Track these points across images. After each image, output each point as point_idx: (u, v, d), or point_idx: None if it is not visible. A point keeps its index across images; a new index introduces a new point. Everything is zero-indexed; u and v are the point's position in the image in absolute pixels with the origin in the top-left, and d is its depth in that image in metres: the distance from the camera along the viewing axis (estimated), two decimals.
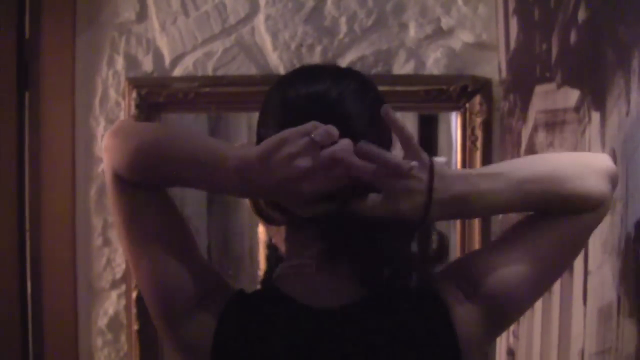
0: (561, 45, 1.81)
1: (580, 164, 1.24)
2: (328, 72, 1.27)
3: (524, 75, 2.03)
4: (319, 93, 1.19)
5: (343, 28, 2.29)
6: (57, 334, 2.40)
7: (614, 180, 1.27)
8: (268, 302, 1.24)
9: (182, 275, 1.22)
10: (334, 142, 1.10)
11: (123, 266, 2.38)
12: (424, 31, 2.27)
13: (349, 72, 1.28)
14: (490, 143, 2.21)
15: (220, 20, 2.34)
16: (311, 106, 1.18)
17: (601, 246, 1.63)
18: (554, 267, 1.28)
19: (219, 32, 2.34)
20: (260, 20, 2.32)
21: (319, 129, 1.10)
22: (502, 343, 2.13)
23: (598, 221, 1.28)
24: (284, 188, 1.11)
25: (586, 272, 1.69)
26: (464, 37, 2.26)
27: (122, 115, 2.36)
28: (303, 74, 1.27)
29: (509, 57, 2.12)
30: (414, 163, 1.12)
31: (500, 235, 1.32)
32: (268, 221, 1.32)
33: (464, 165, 2.21)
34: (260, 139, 1.22)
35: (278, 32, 2.31)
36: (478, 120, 2.19)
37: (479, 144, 2.19)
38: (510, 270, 1.22)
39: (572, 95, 1.75)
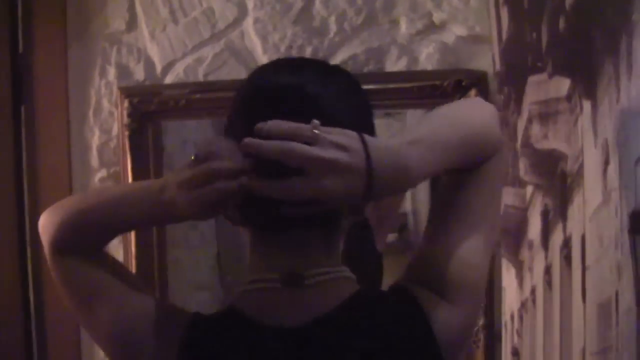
0: (550, 33, 1.76)
1: (484, 115, 1.22)
2: (312, 66, 1.22)
3: (517, 67, 1.98)
4: (298, 84, 1.12)
5: (333, 27, 2.24)
6: (61, 343, 2.40)
7: None
8: (228, 325, 1.18)
9: (137, 317, 1.20)
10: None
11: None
12: (416, 27, 2.21)
13: (336, 70, 1.23)
14: None
15: (209, 26, 2.31)
16: (289, 98, 1.11)
17: (597, 239, 1.58)
18: (492, 222, 1.24)
19: (208, 37, 2.31)
20: (249, 23, 2.29)
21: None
22: (507, 343, 2.08)
23: (503, 159, 1.27)
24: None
25: (584, 267, 1.64)
26: (456, 30, 2.19)
27: (116, 125, 2.34)
28: (281, 66, 1.22)
29: (501, 48, 2.07)
30: (315, 121, 1.04)
31: (431, 222, 1.24)
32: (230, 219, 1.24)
33: None
34: (226, 130, 1.18)
35: (267, 35, 2.27)
36: None
37: None
38: (467, 254, 1.18)
39: (563, 85, 1.70)
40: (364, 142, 1.04)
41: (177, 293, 2.40)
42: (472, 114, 1.21)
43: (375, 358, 1.14)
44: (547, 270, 1.81)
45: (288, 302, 1.15)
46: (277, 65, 1.22)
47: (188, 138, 2.47)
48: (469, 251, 1.18)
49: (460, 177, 1.20)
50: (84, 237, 1.20)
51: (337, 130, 1.05)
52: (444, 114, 1.20)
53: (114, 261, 1.27)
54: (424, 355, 1.16)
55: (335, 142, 1.03)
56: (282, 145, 1.03)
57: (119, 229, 1.26)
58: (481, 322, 2.14)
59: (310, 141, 1.03)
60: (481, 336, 2.15)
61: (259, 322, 1.15)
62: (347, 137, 1.04)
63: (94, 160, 2.39)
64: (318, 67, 1.20)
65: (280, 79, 1.15)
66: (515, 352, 2.03)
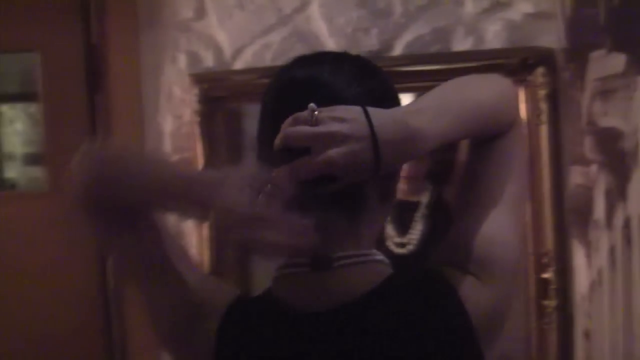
0: (607, 10, 1.72)
1: (497, 88, 1.22)
2: (325, 57, 1.21)
3: (580, 43, 1.93)
4: (310, 76, 1.13)
5: (398, 8, 2.22)
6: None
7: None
8: (262, 310, 1.18)
9: (180, 299, 1.20)
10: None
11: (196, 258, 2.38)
12: (481, 5, 2.17)
13: (349, 57, 1.22)
14: (557, 116, 2.10)
15: (275, 11, 2.32)
16: (303, 90, 1.11)
17: None
18: (515, 199, 1.22)
19: (274, 22, 2.33)
20: (314, 7, 2.29)
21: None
22: (578, 324, 2.04)
23: (521, 135, 1.30)
24: None
25: None
26: (522, 7, 2.14)
27: (187, 111, 2.38)
28: (298, 61, 1.21)
29: (566, 25, 2.02)
30: (312, 104, 1.03)
31: (456, 202, 1.25)
32: None
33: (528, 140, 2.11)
34: (257, 136, 1.19)
35: (333, 18, 2.27)
36: (541, 92, 2.08)
37: (544, 117, 2.08)
38: (490, 230, 1.17)
39: (620, 61, 1.66)
40: (365, 111, 1.04)
41: (263, 275, 2.41)
42: (482, 85, 1.20)
43: (407, 342, 1.13)
44: (611, 251, 1.77)
45: (318, 286, 1.15)
46: (292, 62, 1.22)
47: None
48: (492, 227, 1.17)
49: (478, 153, 1.20)
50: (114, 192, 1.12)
51: (339, 107, 1.05)
52: (454, 84, 1.19)
53: (158, 231, 1.21)
54: (458, 337, 1.14)
55: (334, 117, 1.03)
56: (283, 133, 1.04)
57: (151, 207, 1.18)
58: (554, 303, 2.10)
59: (312, 124, 1.04)
60: (554, 317, 2.11)
61: (291, 307, 1.15)
62: (348, 110, 1.04)
63: (168, 146, 2.44)
64: (330, 57, 1.20)
65: (294, 74, 1.15)
66: (587, 334, 1.99)
